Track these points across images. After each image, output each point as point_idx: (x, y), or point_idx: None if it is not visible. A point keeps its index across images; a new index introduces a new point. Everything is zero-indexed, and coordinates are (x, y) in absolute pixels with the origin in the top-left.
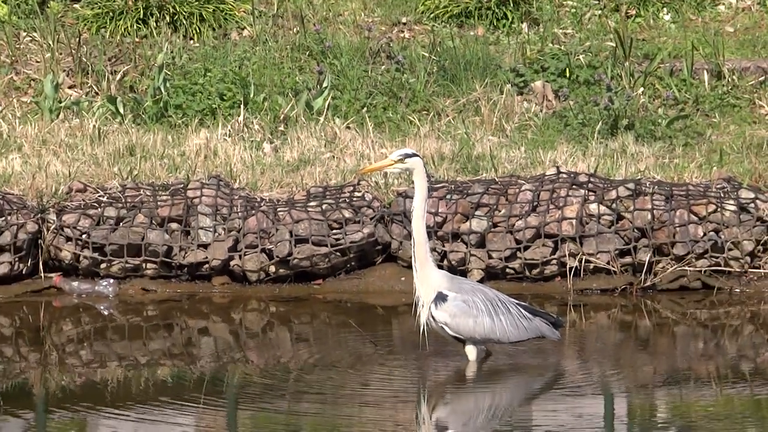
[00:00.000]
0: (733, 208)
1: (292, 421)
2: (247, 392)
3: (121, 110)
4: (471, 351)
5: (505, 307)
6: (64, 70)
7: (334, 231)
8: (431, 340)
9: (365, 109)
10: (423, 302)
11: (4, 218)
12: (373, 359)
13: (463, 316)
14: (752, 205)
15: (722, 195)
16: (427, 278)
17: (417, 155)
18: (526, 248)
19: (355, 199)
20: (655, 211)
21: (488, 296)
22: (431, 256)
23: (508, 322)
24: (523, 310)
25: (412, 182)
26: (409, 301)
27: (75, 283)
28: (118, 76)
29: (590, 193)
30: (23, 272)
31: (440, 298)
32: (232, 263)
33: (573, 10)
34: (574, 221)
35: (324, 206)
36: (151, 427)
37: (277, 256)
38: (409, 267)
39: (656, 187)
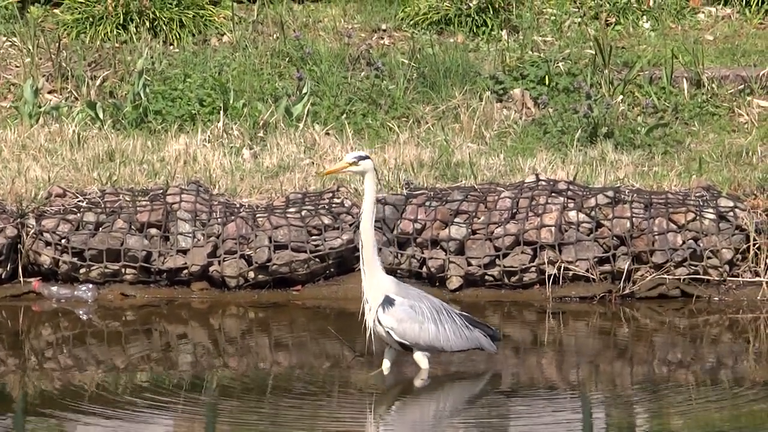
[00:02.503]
0: (712, 216)
1: (270, 428)
2: (226, 397)
3: (101, 115)
4: (422, 359)
5: (450, 315)
6: (44, 75)
7: (314, 237)
8: (377, 345)
9: (344, 115)
10: (370, 306)
11: None
12: (349, 365)
13: (409, 321)
14: (731, 213)
15: (701, 203)
16: (375, 282)
17: (369, 158)
18: (505, 255)
19: (334, 205)
20: (634, 219)
21: (434, 304)
22: (379, 260)
23: (451, 331)
24: (465, 321)
25: (391, 188)
26: None
27: (54, 288)
28: (98, 82)
29: (569, 201)
30: (2, 277)
31: (387, 302)
32: (211, 269)
33: (552, 18)
34: (553, 229)
35: (303, 212)
36: (127, 427)
37: (256, 262)
38: (390, 274)
39: (635, 195)
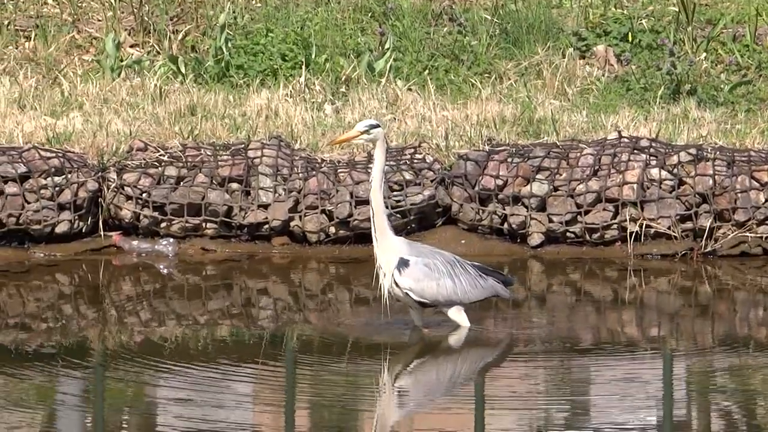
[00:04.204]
0: None
1: (351, 380)
2: (306, 353)
3: (183, 70)
4: (459, 316)
5: (463, 267)
6: (126, 29)
7: (395, 193)
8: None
9: (427, 71)
10: (384, 271)
11: (64, 176)
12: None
13: (426, 279)
14: None
15: None
16: (388, 245)
17: (380, 126)
18: (586, 212)
19: (416, 161)
20: (716, 176)
21: (447, 258)
22: (389, 224)
23: (467, 283)
24: (478, 270)
25: (473, 145)
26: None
27: (134, 242)
28: (180, 36)
29: (652, 158)
30: (83, 231)
31: (402, 263)
32: (292, 224)
33: None
34: (635, 186)
35: (385, 168)
36: (208, 385)
37: (338, 218)
38: (471, 230)
39: (718, 152)
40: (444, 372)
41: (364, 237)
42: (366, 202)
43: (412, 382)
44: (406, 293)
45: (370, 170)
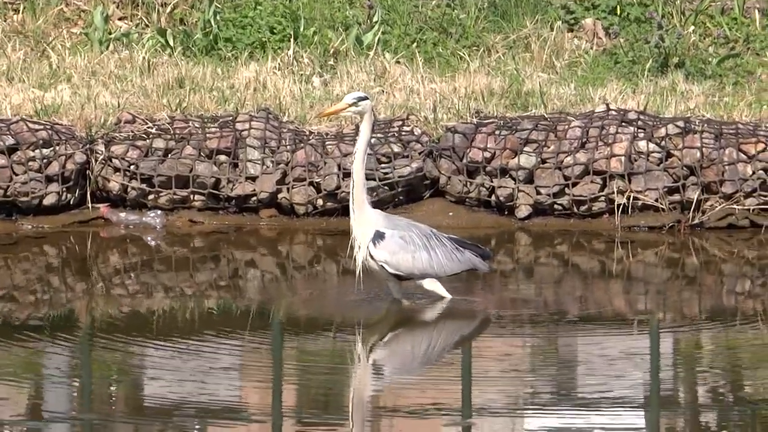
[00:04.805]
0: None
1: (337, 351)
2: (293, 325)
3: (171, 43)
4: (436, 286)
5: (439, 240)
6: (114, 2)
7: (383, 165)
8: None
9: (415, 44)
10: (359, 243)
11: (52, 148)
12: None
13: (401, 252)
14: None
15: None
16: (365, 218)
17: (368, 98)
18: (574, 185)
19: (403, 133)
20: (704, 149)
21: (423, 231)
22: (368, 197)
23: (443, 256)
24: (455, 243)
25: (461, 117)
26: (458, 235)
27: (122, 214)
28: (168, 9)
29: (639, 131)
30: (71, 203)
31: (378, 236)
32: (279, 196)
33: None
34: (622, 158)
35: (372, 140)
36: (195, 357)
37: (325, 190)
38: (458, 202)
39: (706, 125)
40: (422, 344)
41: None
42: None
43: (389, 354)
44: (382, 266)
45: (356, 142)
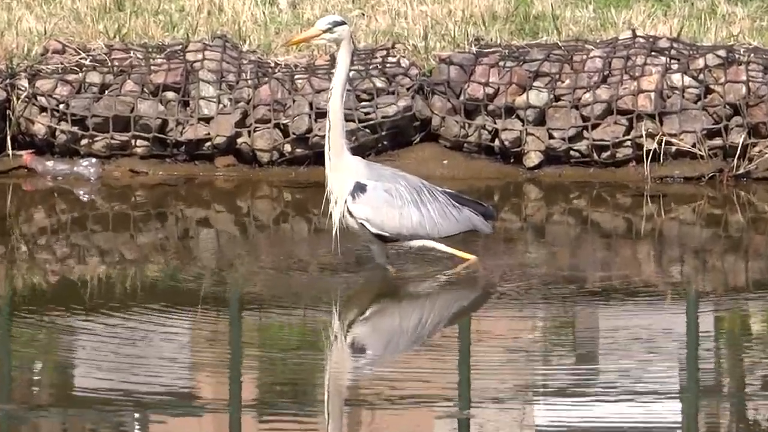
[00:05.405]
0: None
1: (308, 330)
2: (255, 298)
3: None
4: (433, 245)
5: (432, 194)
6: None
7: (364, 103)
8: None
9: None
10: (336, 197)
11: None
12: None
13: (386, 207)
14: None
15: None
16: (342, 166)
17: (345, 23)
18: (594, 127)
19: (388, 65)
20: (750, 83)
21: (412, 183)
22: (346, 143)
23: (436, 213)
24: (450, 198)
25: (458, 45)
26: (454, 187)
27: (50, 163)
28: None
29: (673, 62)
30: None
31: (358, 188)
32: (239, 141)
33: None
34: (652, 95)
35: (351, 73)
36: (137, 336)
37: (294, 133)
38: (454, 148)
39: (752, 54)
40: (412, 321)
41: (324, 156)
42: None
43: (371, 333)
44: (362, 224)
45: (332, 76)
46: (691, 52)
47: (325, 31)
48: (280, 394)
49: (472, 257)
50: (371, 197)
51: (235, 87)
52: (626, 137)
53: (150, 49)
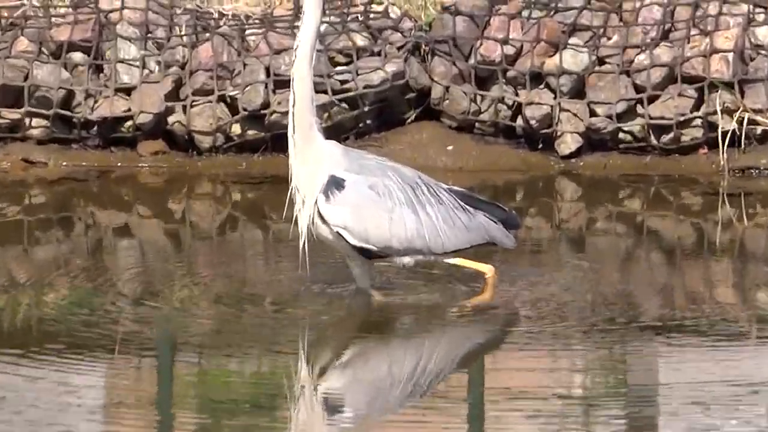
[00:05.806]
0: None
1: (264, 380)
2: (193, 336)
3: None
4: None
5: (433, 193)
6: None
7: (340, 68)
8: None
9: None
10: (303, 196)
11: None
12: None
13: (371, 210)
14: None
15: None
16: (312, 153)
17: None
18: (651, 100)
19: (372, 17)
20: None
21: (405, 177)
22: (318, 121)
23: (439, 219)
24: (459, 199)
25: None
26: (463, 183)
27: None
28: None
29: (758, 11)
30: None
31: (333, 184)
32: (170, 120)
33: None
34: (730, 56)
35: (323, 27)
36: (32, 383)
37: (245, 109)
38: (462, 129)
39: None
40: (405, 367)
41: (286, 141)
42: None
43: (350, 384)
44: (338, 233)
45: (297, 31)
46: None
47: None
48: None
49: (488, 268)
50: (350, 196)
51: (166, 46)
52: (695, 114)
53: None
